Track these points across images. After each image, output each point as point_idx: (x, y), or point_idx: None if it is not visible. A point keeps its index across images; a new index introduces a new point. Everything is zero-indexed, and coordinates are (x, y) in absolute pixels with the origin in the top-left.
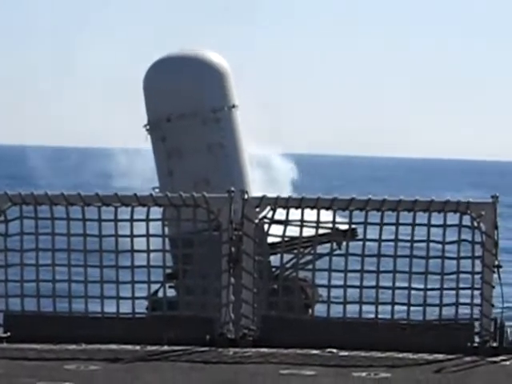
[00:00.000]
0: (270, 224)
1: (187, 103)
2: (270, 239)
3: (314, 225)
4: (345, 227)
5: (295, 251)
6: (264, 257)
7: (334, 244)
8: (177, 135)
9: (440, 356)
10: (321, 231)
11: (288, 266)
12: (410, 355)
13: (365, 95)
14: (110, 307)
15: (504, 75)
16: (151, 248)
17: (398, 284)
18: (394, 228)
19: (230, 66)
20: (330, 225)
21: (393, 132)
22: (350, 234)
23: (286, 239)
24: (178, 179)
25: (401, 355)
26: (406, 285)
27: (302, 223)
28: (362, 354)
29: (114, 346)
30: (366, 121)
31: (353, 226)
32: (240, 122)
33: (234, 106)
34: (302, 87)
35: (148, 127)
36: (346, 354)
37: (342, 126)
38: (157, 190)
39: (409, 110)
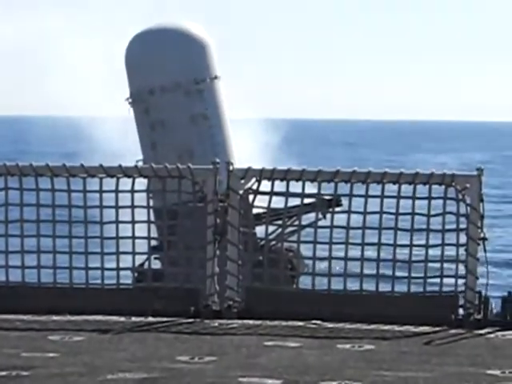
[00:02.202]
0: (255, 195)
1: (169, 75)
2: (255, 210)
3: (299, 195)
4: (329, 197)
5: (280, 222)
6: (249, 228)
7: (319, 214)
8: (160, 107)
9: (425, 328)
10: (305, 201)
11: (273, 237)
12: (395, 327)
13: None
14: (96, 278)
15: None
16: (136, 219)
17: (382, 256)
18: (379, 200)
19: (211, 37)
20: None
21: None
22: (335, 203)
23: (271, 210)
24: (161, 151)
25: (386, 327)
26: (390, 257)
27: (287, 194)
28: (347, 326)
29: (99, 317)
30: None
31: (337, 195)
32: (223, 93)
33: (216, 77)
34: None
35: (131, 100)
36: (330, 326)
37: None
38: (140, 163)
39: (381, 71)
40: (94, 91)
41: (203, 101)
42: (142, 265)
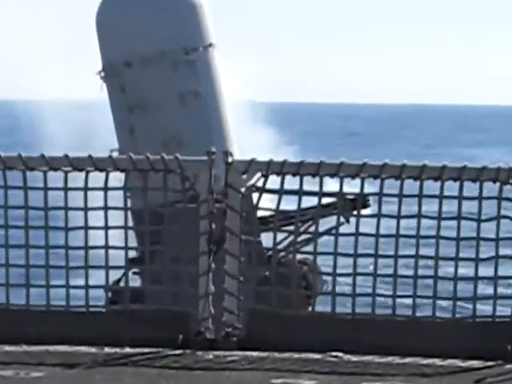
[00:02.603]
0: (260, 194)
1: (152, 43)
2: (261, 213)
3: (316, 195)
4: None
5: (292, 227)
6: (253, 235)
7: (341, 218)
8: (140, 83)
9: (475, 363)
10: (323, 202)
11: (283, 246)
12: (437, 361)
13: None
14: (58, 299)
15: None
16: (110, 224)
17: (421, 272)
18: (416, 201)
19: None
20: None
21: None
22: (361, 204)
23: (281, 212)
24: (142, 138)
25: (424, 361)
26: (431, 273)
27: (301, 193)
28: (376, 359)
29: (63, 348)
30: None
31: (363, 194)
32: (219, 65)
33: (210, 45)
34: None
35: (103, 74)
36: (354, 359)
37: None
38: (116, 153)
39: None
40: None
41: (195, 75)
42: (117, 282)
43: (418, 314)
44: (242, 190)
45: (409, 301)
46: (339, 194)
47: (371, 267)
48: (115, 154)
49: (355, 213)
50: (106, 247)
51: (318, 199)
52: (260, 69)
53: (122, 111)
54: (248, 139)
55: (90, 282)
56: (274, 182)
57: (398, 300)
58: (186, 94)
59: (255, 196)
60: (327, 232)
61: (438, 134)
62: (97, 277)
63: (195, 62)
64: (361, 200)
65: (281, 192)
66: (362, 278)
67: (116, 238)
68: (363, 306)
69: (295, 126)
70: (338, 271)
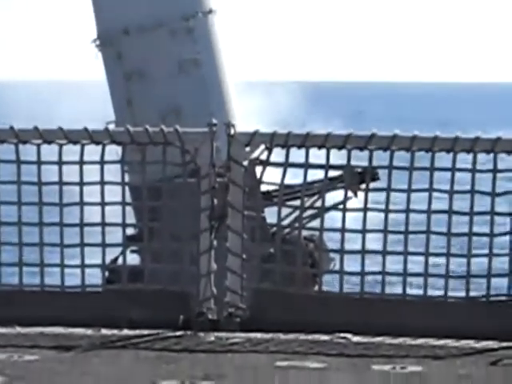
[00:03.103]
0: (264, 167)
1: (149, 10)
2: (265, 187)
3: (322, 167)
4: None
5: (297, 202)
6: (257, 211)
7: (349, 192)
8: (137, 52)
9: (490, 343)
10: (330, 175)
11: (288, 222)
12: (450, 342)
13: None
14: (53, 278)
15: None
16: (107, 200)
17: (432, 249)
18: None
19: None
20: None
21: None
22: (370, 177)
23: (286, 186)
24: (139, 109)
25: (437, 342)
26: (443, 251)
27: (307, 166)
28: (386, 340)
29: (58, 330)
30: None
31: (372, 166)
32: (220, 33)
33: (210, 12)
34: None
35: (98, 42)
36: (363, 340)
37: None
38: (112, 126)
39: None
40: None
41: (194, 42)
42: (114, 260)
43: (429, 294)
44: (245, 163)
45: (420, 279)
46: (347, 167)
47: (379, 244)
48: (112, 127)
49: (364, 186)
50: (103, 224)
51: (324, 172)
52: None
53: (118, 80)
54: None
55: (86, 261)
56: (278, 154)
57: (410, 278)
58: (185, 63)
59: (259, 170)
60: (334, 207)
61: None
62: (93, 255)
63: (194, 30)
64: (370, 172)
65: (286, 165)
66: (371, 255)
67: (113, 214)
68: (372, 284)
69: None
70: (346, 248)
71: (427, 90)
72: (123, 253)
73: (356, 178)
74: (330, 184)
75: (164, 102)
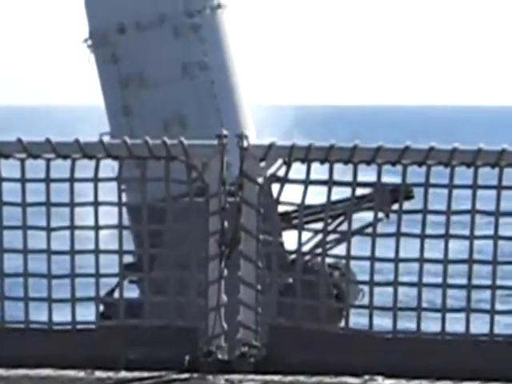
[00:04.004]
0: (281, 185)
1: (149, 5)
2: (283, 208)
3: (349, 185)
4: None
5: (320, 224)
6: (274, 235)
7: (379, 213)
8: (135, 53)
9: None
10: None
11: (309, 248)
12: None
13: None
14: (40, 314)
15: None
16: (101, 223)
17: (475, 281)
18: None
19: None
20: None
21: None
22: (403, 196)
23: (306, 207)
24: (139, 119)
25: None
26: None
27: (330, 183)
28: (423, 383)
29: (46, 372)
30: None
31: (406, 184)
32: (231, 31)
33: (219, 7)
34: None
35: (90, 42)
36: (396, 383)
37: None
38: (107, 138)
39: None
40: None
41: (201, 42)
42: (110, 292)
43: (473, 331)
44: (260, 180)
45: (461, 315)
46: (377, 184)
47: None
48: (106, 139)
49: (396, 206)
50: (97, 251)
51: (351, 190)
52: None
53: (113, 86)
54: None
55: (78, 294)
56: (298, 170)
57: (450, 314)
58: (191, 66)
59: (275, 187)
60: (362, 230)
61: None
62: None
63: (200, 27)
64: (403, 190)
65: (307, 182)
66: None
67: (109, 239)
68: (407, 319)
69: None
70: (376, 278)
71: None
72: (120, 284)
73: (387, 197)
74: (357, 204)
75: (166, 110)
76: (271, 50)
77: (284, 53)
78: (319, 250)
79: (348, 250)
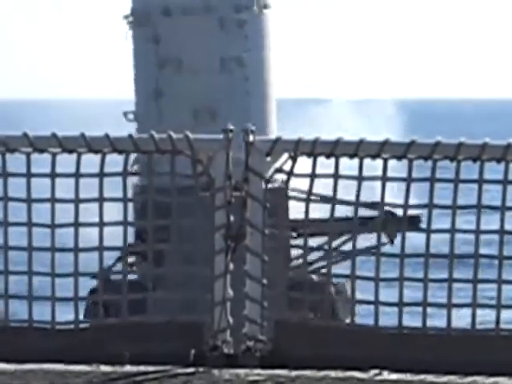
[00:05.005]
0: (287, 179)
1: None
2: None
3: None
4: (402, 213)
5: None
6: (280, 229)
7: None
8: (177, 37)
9: None
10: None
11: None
12: (502, 380)
13: None
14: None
15: None
16: (105, 220)
17: (481, 275)
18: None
19: None
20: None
21: None
22: (411, 224)
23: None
24: (169, 103)
25: (487, 380)
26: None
27: (337, 177)
28: (429, 378)
29: (50, 366)
30: None
31: (415, 213)
32: (272, 31)
33: (266, 6)
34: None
35: (132, 19)
36: (402, 377)
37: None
38: (131, 116)
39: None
40: None
41: (244, 38)
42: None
43: (479, 326)
44: (267, 175)
45: (466, 311)
46: (382, 210)
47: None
48: (130, 117)
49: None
50: (101, 248)
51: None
52: None
53: (149, 67)
54: None
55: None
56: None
57: (455, 309)
58: (229, 60)
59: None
60: (365, 252)
61: None
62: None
63: (245, 24)
64: (410, 220)
65: (313, 176)
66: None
67: (113, 237)
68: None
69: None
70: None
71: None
72: (124, 277)
73: (393, 224)
74: (361, 227)
75: (198, 99)
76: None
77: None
78: (323, 267)
79: (353, 271)
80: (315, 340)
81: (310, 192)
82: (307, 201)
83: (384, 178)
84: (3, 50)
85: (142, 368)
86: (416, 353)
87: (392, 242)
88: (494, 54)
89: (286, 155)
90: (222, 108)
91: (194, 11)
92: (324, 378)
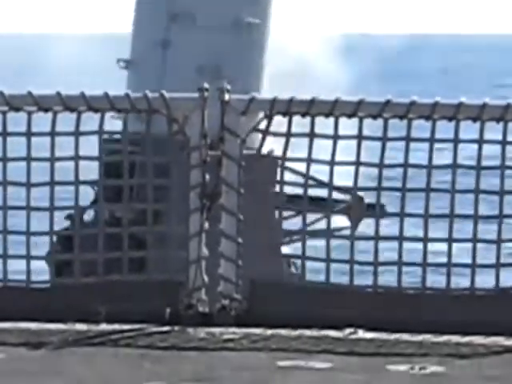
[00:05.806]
0: (263, 138)
1: None
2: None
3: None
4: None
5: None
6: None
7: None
8: None
9: None
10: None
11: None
12: (476, 339)
13: None
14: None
15: None
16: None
17: (456, 234)
18: None
19: None
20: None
21: None
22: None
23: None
24: (176, 55)
25: (461, 339)
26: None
27: (312, 135)
28: (404, 337)
29: (25, 325)
30: None
31: (381, 203)
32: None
33: None
34: None
35: None
36: (377, 336)
37: None
38: (122, 64)
39: None
40: None
41: (258, 4)
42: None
43: (453, 286)
44: (242, 133)
45: (441, 270)
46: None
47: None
48: (122, 64)
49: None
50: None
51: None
52: None
53: (160, 17)
54: None
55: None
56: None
57: (430, 268)
58: (242, 22)
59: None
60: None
61: None
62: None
63: None
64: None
65: (288, 135)
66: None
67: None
68: (387, 273)
69: None
70: None
71: None
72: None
73: (358, 208)
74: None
75: (205, 55)
76: None
77: None
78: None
79: (327, 253)
80: (290, 299)
81: (285, 151)
82: (283, 159)
83: (360, 137)
84: None
85: (118, 326)
86: (392, 311)
87: (356, 225)
88: None
89: (261, 114)
90: (228, 66)
91: None
92: (299, 337)
